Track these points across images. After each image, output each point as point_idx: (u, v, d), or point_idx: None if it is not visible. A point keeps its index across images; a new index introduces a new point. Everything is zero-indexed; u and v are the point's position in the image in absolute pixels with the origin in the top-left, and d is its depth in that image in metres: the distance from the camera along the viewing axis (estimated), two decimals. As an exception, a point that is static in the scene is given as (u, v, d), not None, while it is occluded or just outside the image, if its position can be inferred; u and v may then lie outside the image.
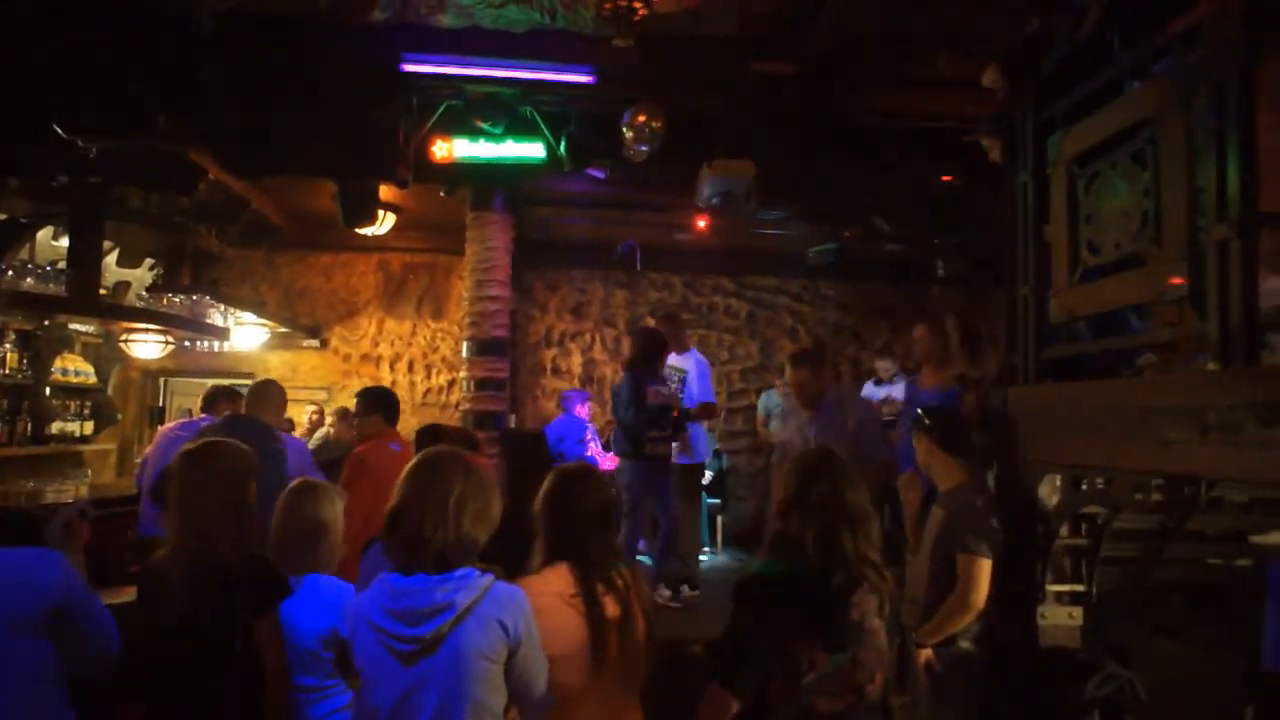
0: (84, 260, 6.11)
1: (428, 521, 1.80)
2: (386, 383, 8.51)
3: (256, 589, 2.14)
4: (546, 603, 1.99)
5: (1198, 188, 2.33)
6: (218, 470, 2.25)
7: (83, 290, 6.11)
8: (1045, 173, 3.10)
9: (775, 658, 1.97)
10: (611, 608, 2.07)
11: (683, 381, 5.46)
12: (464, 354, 6.62)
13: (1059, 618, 2.92)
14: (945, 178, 6.18)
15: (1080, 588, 2.94)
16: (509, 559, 2.34)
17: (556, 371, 8.68)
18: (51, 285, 6.07)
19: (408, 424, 7.97)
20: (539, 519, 2.19)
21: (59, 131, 5.10)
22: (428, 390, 8.66)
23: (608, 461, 6.89)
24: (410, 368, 8.68)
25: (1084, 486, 2.90)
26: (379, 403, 4.27)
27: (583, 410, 7.19)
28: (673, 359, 5.53)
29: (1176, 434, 2.24)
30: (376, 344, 8.69)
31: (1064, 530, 2.91)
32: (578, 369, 8.68)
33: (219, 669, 2.08)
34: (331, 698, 2.30)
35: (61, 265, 6.31)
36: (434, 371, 8.69)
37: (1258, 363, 2.13)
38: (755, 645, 2.01)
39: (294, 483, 2.60)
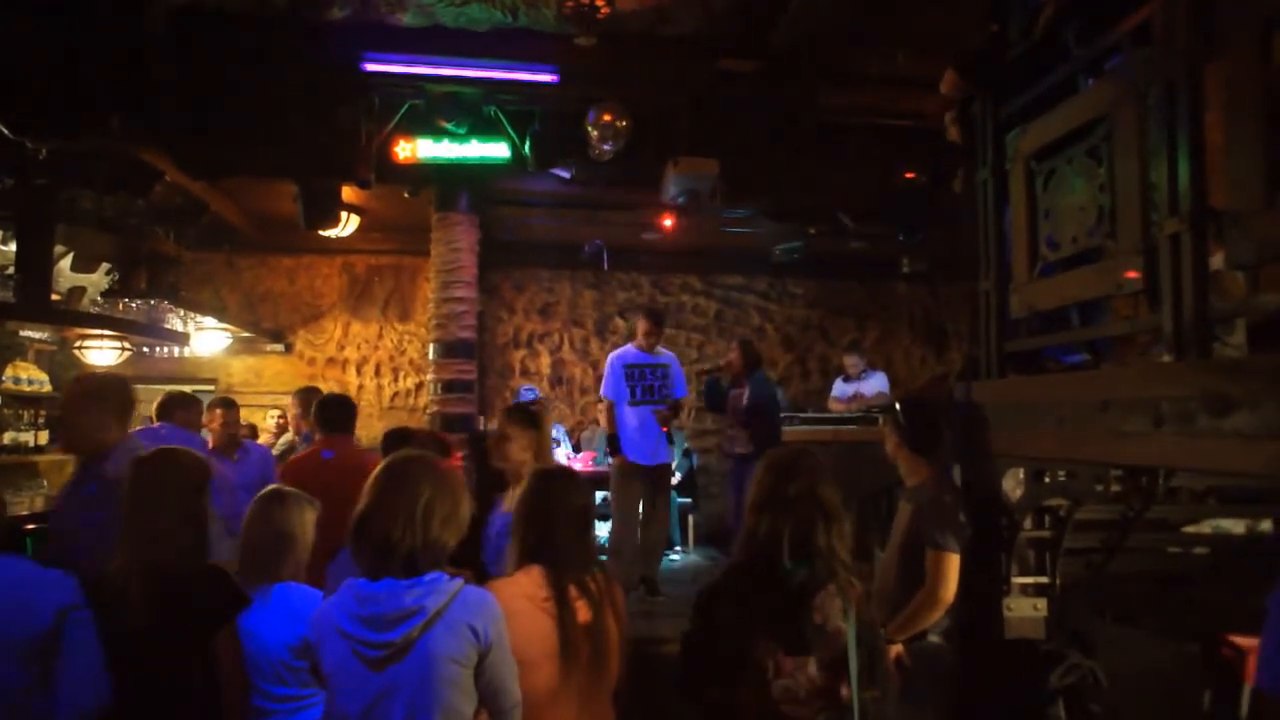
0: (33, 265, 5.94)
1: (395, 526, 1.78)
2: (353, 386, 8.42)
3: (214, 601, 2.09)
4: (518, 606, 1.96)
5: (1151, 183, 2.37)
6: (172, 479, 2.18)
7: (32, 296, 5.94)
8: (1005, 169, 3.14)
9: (737, 662, 1.96)
10: (583, 612, 2.05)
11: (666, 377, 5.34)
12: (431, 356, 6.56)
13: (1024, 609, 2.95)
14: (908, 175, 6.25)
15: (1044, 579, 2.97)
16: (478, 562, 2.31)
17: (525, 373, 8.63)
18: (0, 291, 5.89)
19: (375, 428, 7.91)
20: (514, 520, 2.17)
21: (4, 131, 4.95)
22: (395, 393, 8.56)
23: (578, 463, 6.87)
24: (377, 371, 8.58)
25: (1046, 479, 2.94)
26: (320, 410, 3.88)
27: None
28: (653, 357, 5.38)
29: (1133, 426, 2.28)
30: (342, 347, 8.57)
31: (1027, 523, 2.94)
32: (546, 370, 8.64)
33: (174, 683, 2.02)
34: (310, 708, 2.26)
35: (10, 270, 6.13)
36: (401, 374, 8.60)
37: (1209, 355, 2.18)
38: (714, 648, 2.00)
39: (263, 491, 2.55)
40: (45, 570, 1.98)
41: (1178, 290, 2.21)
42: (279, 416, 7.45)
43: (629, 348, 5.44)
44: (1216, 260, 2.22)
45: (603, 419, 5.53)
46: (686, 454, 7.55)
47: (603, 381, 5.43)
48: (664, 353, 5.46)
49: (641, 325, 5.39)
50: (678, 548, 7.15)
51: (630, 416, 5.21)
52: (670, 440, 5.31)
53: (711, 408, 6.03)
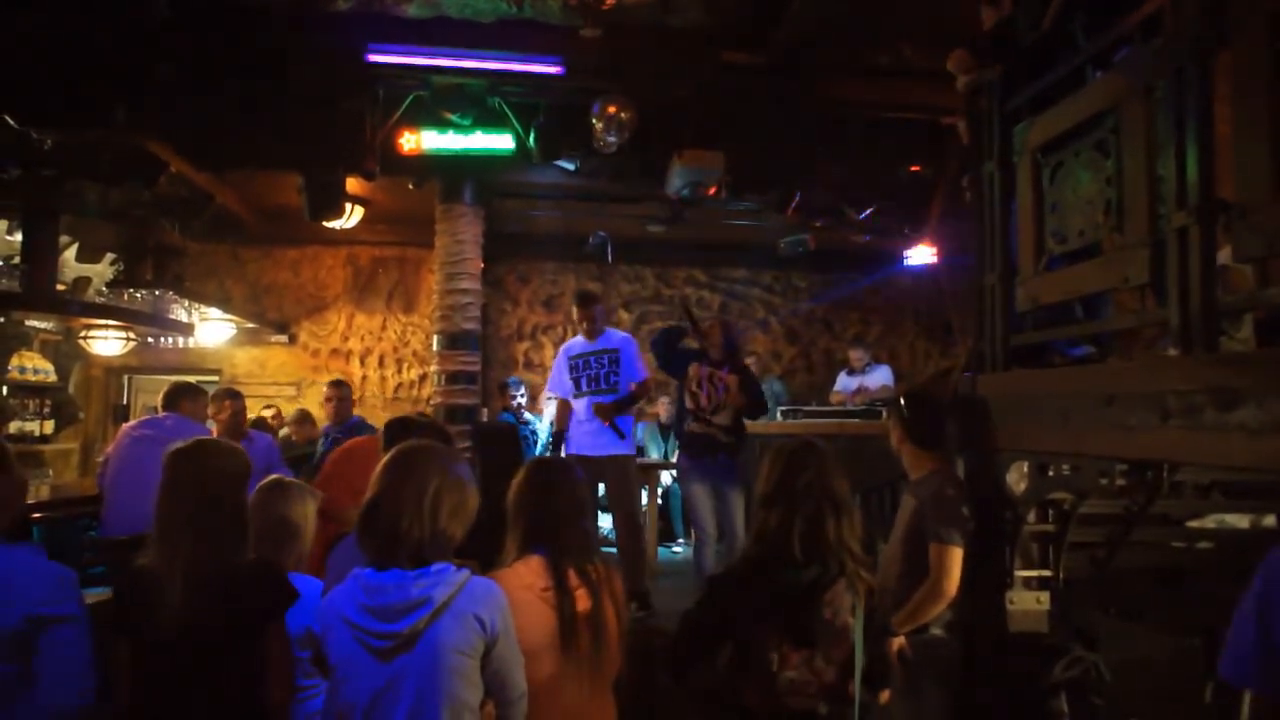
0: (39, 255, 5.97)
1: (403, 516, 1.77)
2: (357, 377, 8.44)
3: (262, 597, 2.03)
4: (519, 596, 1.96)
5: (1158, 176, 2.36)
6: (211, 470, 2.10)
7: (38, 286, 5.96)
8: (1011, 162, 3.12)
9: (740, 652, 1.96)
10: (583, 601, 2.05)
11: (616, 363, 4.79)
12: (435, 348, 6.56)
13: (1027, 603, 2.95)
14: (914, 168, 6.22)
15: (1048, 573, 2.97)
16: (481, 553, 2.31)
17: (529, 365, 8.64)
18: (5, 281, 5.92)
19: (378, 419, 7.91)
20: (512, 510, 2.17)
21: (10, 122, 4.96)
22: (399, 385, 8.58)
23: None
24: (381, 362, 8.59)
25: (1051, 473, 2.93)
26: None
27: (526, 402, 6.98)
28: (596, 343, 4.86)
29: (1139, 419, 2.27)
30: (346, 339, 8.59)
31: (1031, 516, 2.94)
32: (550, 362, 8.64)
33: (218, 681, 1.95)
34: (311, 699, 2.25)
35: (16, 260, 6.15)
36: (405, 366, 8.61)
37: (1216, 349, 2.17)
38: (717, 635, 2.00)
39: (264, 481, 2.55)
40: (40, 563, 1.92)
41: (1185, 284, 2.19)
42: (273, 413, 7.42)
43: (576, 338, 5.02)
44: (1224, 254, 2.21)
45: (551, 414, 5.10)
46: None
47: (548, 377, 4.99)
48: (613, 335, 4.93)
49: (573, 313, 4.92)
50: (680, 539, 7.17)
51: (579, 409, 4.85)
52: (619, 433, 4.68)
53: (663, 365, 4.91)
